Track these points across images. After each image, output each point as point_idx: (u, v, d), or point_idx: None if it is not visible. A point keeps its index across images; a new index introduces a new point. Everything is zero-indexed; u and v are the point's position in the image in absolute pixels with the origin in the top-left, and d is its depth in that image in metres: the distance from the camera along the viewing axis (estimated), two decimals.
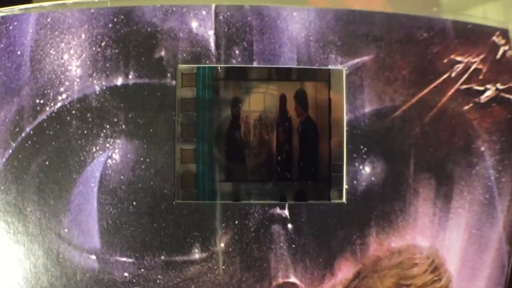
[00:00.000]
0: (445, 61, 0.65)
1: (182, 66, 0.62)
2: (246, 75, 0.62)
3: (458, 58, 0.66)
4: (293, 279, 0.62)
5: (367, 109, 0.63)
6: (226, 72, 0.61)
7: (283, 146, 0.62)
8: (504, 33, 0.67)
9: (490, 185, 0.67)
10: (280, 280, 0.62)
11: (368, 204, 0.63)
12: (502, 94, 0.67)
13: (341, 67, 0.63)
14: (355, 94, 0.63)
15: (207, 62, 0.62)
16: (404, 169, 0.64)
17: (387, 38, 0.64)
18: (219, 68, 0.62)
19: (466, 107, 0.66)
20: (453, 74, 0.65)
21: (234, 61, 0.62)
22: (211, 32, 0.62)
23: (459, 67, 0.66)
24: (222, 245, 0.61)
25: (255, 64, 0.62)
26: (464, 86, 0.66)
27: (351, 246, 0.63)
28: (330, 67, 0.63)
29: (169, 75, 0.62)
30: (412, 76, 0.64)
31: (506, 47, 0.68)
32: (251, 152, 0.62)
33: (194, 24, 0.62)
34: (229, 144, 0.61)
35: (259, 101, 0.62)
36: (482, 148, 0.66)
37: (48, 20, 0.62)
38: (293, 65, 0.62)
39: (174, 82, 0.62)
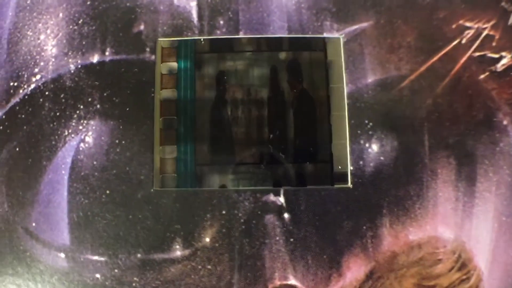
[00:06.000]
0: (453, 26, 0.34)
1: (162, 40, 0.33)
2: (231, 46, 0.33)
3: (467, 24, 0.35)
4: (292, 281, 0.31)
5: (370, 79, 0.33)
6: (210, 44, 0.33)
7: (275, 123, 0.32)
8: None
9: None
10: (277, 283, 0.31)
11: (378, 188, 0.32)
12: None
13: (337, 34, 0.33)
14: (355, 63, 0.33)
15: (189, 34, 0.33)
16: (417, 146, 0.33)
17: (387, 3, 0.34)
18: (202, 40, 0.33)
19: (482, 76, 0.35)
20: (463, 41, 0.35)
21: (218, 32, 0.33)
22: (193, 3, 0.34)
23: (470, 33, 0.35)
24: (208, 240, 0.31)
25: (241, 35, 0.33)
26: (477, 54, 0.35)
27: (361, 239, 0.31)
28: (325, 35, 0.33)
29: (148, 49, 0.34)
30: (418, 42, 0.34)
31: None
32: (239, 131, 0.32)
33: None
34: (214, 123, 0.31)
35: (247, 75, 0.33)
36: (505, 122, 0.35)
37: (28, 2, 0.36)
38: (284, 34, 0.33)
39: (153, 57, 0.33)
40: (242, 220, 0.36)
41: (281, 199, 0.36)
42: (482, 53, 0.41)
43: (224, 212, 0.37)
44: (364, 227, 0.37)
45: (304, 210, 0.37)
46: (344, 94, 0.38)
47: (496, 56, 0.42)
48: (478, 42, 0.41)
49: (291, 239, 0.36)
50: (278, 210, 0.36)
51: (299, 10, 0.39)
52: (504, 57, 0.42)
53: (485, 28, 0.42)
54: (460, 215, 0.38)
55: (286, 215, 0.36)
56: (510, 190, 0.40)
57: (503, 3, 0.43)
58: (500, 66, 0.41)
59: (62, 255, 0.37)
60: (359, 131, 0.38)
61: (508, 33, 0.42)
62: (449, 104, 0.39)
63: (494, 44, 0.42)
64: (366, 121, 0.38)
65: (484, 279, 0.38)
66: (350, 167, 0.37)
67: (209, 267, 0.36)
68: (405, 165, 0.38)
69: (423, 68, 0.40)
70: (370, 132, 0.38)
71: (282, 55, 0.39)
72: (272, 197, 0.36)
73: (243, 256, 0.36)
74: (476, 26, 0.41)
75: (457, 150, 0.39)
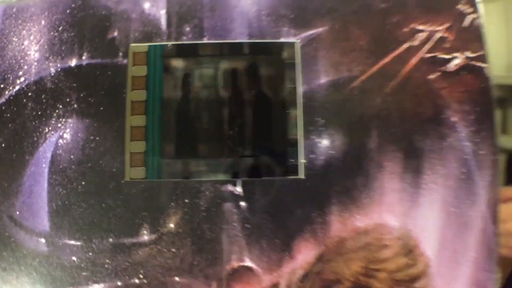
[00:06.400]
0: (405, 30, 0.38)
1: (133, 45, 0.38)
2: (196, 51, 0.37)
3: (420, 27, 0.39)
4: (248, 263, 0.35)
5: (323, 80, 0.37)
6: (177, 49, 0.37)
7: (235, 121, 0.36)
8: (470, 1, 0.40)
9: (466, 158, 0.39)
10: (234, 264, 0.35)
11: (328, 179, 0.36)
12: (473, 63, 0.40)
13: (294, 39, 0.37)
14: (309, 66, 0.37)
15: (158, 40, 0.38)
16: (366, 141, 0.37)
17: (342, 10, 0.38)
18: (169, 45, 0.37)
19: (432, 76, 0.39)
20: (415, 43, 0.39)
21: (184, 38, 0.38)
22: (163, 12, 0.38)
23: (422, 35, 0.39)
24: (172, 225, 0.35)
25: (205, 40, 0.37)
26: (429, 55, 0.39)
27: (311, 225, 0.35)
28: (282, 40, 0.37)
29: (121, 54, 0.38)
30: (370, 46, 0.38)
31: (474, 15, 0.41)
32: (202, 128, 0.36)
33: (146, 5, 0.39)
34: (179, 121, 0.36)
35: (210, 77, 0.37)
36: (453, 119, 0.39)
37: (14, 10, 0.41)
38: (244, 39, 0.37)
39: (125, 61, 0.38)
40: (203, 208, 0.41)
41: (239, 189, 0.41)
42: (434, 54, 0.45)
43: (187, 200, 0.41)
44: (314, 215, 0.41)
45: (259, 199, 0.41)
46: (299, 94, 0.42)
47: (449, 56, 0.45)
48: (430, 44, 0.44)
49: (247, 225, 0.40)
50: (236, 199, 0.41)
51: (259, 17, 0.44)
52: (457, 57, 0.45)
53: (438, 31, 0.45)
54: (406, 205, 0.42)
55: (243, 204, 0.41)
56: (457, 183, 0.43)
57: (459, 6, 0.46)
58: (452, 66, 0.45)
59: (43, 240, 0.42)
60: (311, 128, 0.42)
61: (463, 34, 0.46)
62: (397, 103, 0.43)
63: (447, 45, 0.45)
64: (319, 119, 0.42)
65: (432, 265, 0.42)
66: (302, 160, 0.41)
67: (173, 250, 0.40)
68: (353, 159, 0.42)
69: (373, 69, 0.43)
70: (322, 129, 0.42)
71: (243, 59, 0.43)
72: (230, 187, 0.41)
73: (204, 240, 0.40)
74: (429, 29, 0.45)
75: (404, 145, 0.42)
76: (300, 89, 0.42)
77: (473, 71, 0.45)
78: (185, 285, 0.40)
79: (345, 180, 0.41)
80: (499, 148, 0.46)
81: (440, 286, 0.42)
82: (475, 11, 0.46)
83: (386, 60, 0.44)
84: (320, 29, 0.44)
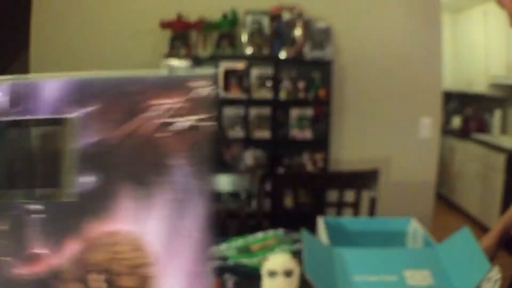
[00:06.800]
0: (148, 104, 0.66)
1: None
2: (23, 123, 0.68)
3: (159, 102, 0.66)
4: (39, 251, 0.64)
5: (92, 139, 0.65)
6: (13, 122, 0.68)
7: (35, 166, 0.66)
8: (204, 77, 0.67)
9: (184, 188, 0.65)
10: (32, 251, 0.64)
11: (90, 201, 0.64)
12: (196, 123, 0.66)
13: (76, 114, 0.66)
14: (84, 131, 0.66)
15: (2, 116, 0.68)
16: (112, 177, 0.64)
17: (108, 94, 0.66)
18: (7, 120, 0.68)
19: (162, 134, 0.65)
20: (154, 113, 0.66)
21: (18, 114, 0.68)
22: (6, 98, 0.69)
23: (159, 107, 0.66)
24: (4, 227, 0.66)
25: (28, 117, 0.67)
26: (163, 120, 0.66)
27: (78, 229, 0.64)
28: (70, 115, 0.66)
29: None
30: (121, 116, 0.65)
31: (206, 89, 0.67)
32: (18, 171, 0.67)
33: None
34: (6, 167, 0.66)
35: (28, 139, 0.67)
36: (179, 161, 0.65)
37: None
38: (47, 115, 0.67)
39: None
40: (17, 218, 0.70)
41: (37, 207, 0.69)
42: (167, 119, 0.70)
43: (10, 213, 0.70)
44: (81, 222, 0.68)
45: (49, 213, 0.69)
46: (74, 149, 0.70)
47: (177, 120, 0.70)
48: (166, 112, 0.69)
49: (43, 228, 0.69)
50: (36, 213, 0.69)
51: (59, 100, 0.72)
52: (183, 121, 0.70)
53: (175, 103, 0.70)
54: (139, 218, 0.68)
55: (41, 216, 0.69)
56: (178, 204, 0.68)
57: (193, 83, 0.70)
58: (178, 126, 0.70)
59: None
60: (82, 170, 0.69)
61: (192, 103, 0.70)
62: (134, 153, 0.69)
63: (179, 112, 0.70)
64: (86, 166, 0.69)
65: (157, 258, 0.67)
66: (75, 190, 0.69)
67: (4, 241, 0.70)
68: (104, 189, 0.68)
69: (122, 132, 0.70)
70: (88, 170, 0.69)
71: (45, 128, 0.71)
72: (31, 206, 0.69)
73: (18, 237, 0.69)
74: (166, 102, 0.70)
75: (137, 179, 0.68)
76: (75, 146, 0.70)
77: (194, 129, 0.69)
78: (11, 262, 0.69)
79: (99, 202, 0.68)
80: (213, 181, 0.69)
81: (164, 272, 0.67)
82: (210, 84, 0.70)
83: (131, 126, 0.70)
84: (94, 107, 0.71)
